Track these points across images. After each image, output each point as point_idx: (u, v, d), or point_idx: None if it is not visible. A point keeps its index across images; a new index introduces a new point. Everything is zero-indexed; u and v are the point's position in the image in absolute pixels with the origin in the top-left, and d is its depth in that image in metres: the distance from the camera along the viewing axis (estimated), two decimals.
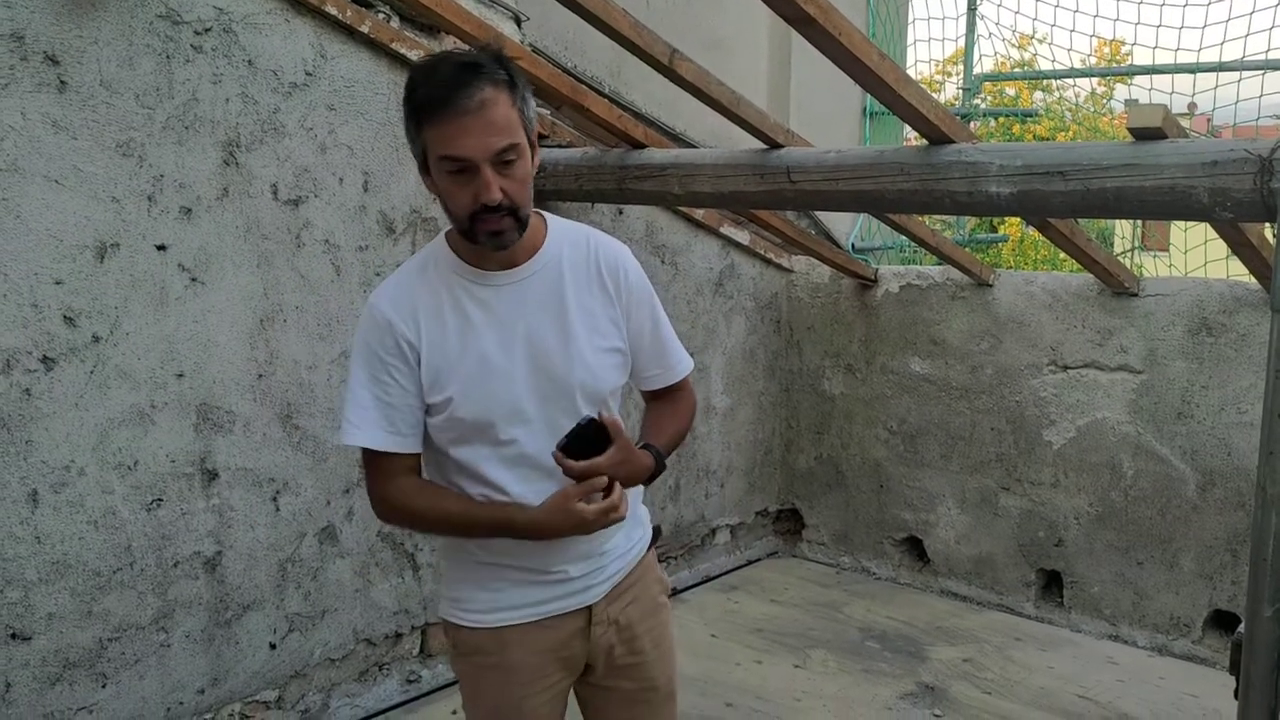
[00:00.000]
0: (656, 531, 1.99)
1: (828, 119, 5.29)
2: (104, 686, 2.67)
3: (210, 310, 2.80)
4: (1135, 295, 3.91)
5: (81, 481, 2.58)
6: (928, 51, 10.95)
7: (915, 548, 4.66)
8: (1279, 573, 1.76)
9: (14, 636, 2.49)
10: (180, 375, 2.75)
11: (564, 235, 1.79)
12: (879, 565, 4.74)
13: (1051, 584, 4.26)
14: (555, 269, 1.74)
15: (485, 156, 1.56)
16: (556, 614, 1.80)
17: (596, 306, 1.77)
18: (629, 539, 1.89)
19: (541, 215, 1.78)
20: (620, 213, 4.08)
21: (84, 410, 2.57)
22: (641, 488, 1.84)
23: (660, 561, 1.95)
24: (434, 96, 1.56)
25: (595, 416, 1.66)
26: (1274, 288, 1.85)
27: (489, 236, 1.62)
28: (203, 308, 2.78)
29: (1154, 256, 6.36)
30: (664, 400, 1.95)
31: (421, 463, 1.77)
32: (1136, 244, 7.90)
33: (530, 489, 1.70)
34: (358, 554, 3.25)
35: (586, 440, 1.66)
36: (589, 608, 1.82)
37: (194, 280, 2.76)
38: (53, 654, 2.56)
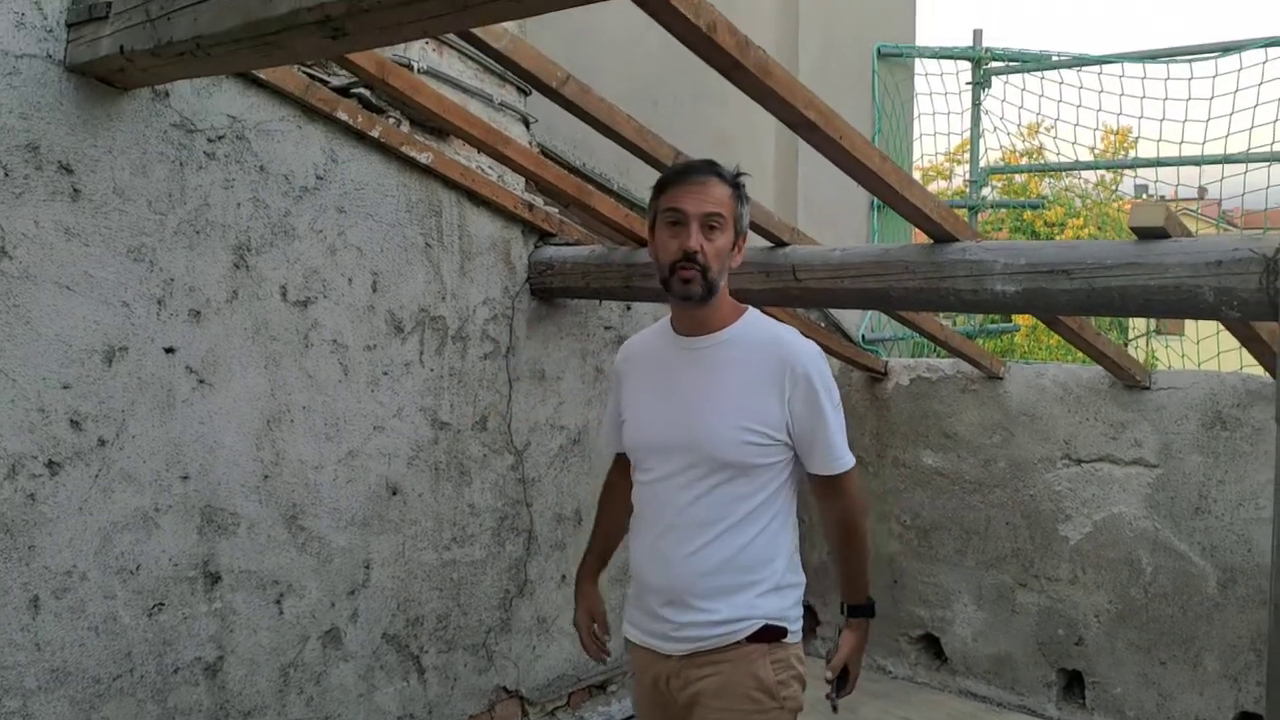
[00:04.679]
0: (780, 630, 2.04)
1: (836, 211, 5.34)
2: None
3: (217, 412, 2.80)
4: (1147, 388, 3.88)
5: (83, 587, 2.55)
6: (933, 145, 11.09)
7: (932, 645, 4.55)
8: None
9: None
10: (185, 477, 2.74)
11: (754, 326, 2.08)
12: (895, 663, 4.64)
13: (1073, 684, 4.14)
14: (730, 350, 2.03)
15: (696, 213, 1.97)
16: (654, 649, 2.07)
17: (756, 395, 1.99)
18: (735, 609, 1.99)
19: (742, 307, 2.09)
20: (629, 307, 4.10)
21: (88, 515, 2.55)
22: (775, 555, 2.05)
23: None
24: (675, 172, 2.06)
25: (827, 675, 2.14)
26: (1277, 401, 1.84)
27: (681, 284, 1.97)
28: (209, 409, 2.79)
29: (1166, 345, 6.33)
30: (824, 499, 2.13)
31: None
32: (1151, 329, 7.88)
33: (649, 511, 2.07)
34: (361, 657, 3.19)
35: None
36: (672, 657, 2.04)
37: (201, 382, 2.77)
38: None
